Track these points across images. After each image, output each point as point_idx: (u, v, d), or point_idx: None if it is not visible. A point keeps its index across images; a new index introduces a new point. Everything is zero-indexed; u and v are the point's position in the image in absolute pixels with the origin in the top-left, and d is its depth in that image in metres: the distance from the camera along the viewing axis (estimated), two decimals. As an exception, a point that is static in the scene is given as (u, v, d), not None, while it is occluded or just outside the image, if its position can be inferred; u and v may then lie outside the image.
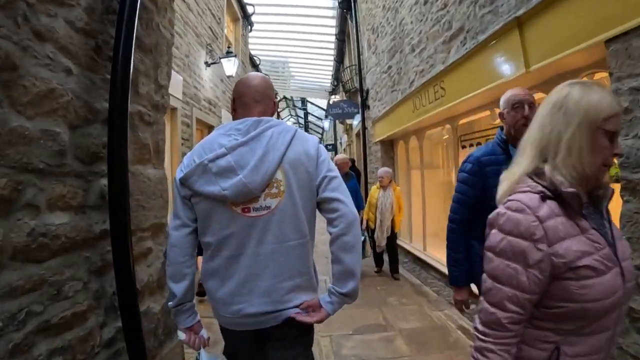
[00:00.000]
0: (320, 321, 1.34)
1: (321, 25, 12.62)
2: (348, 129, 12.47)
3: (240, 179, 1.25)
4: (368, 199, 5.42)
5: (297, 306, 1.32)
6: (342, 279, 1.31)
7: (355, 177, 5.93)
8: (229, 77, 6.61)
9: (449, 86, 4.20)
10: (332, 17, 11.54)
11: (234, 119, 1.45)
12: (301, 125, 32.02)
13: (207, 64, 6.39)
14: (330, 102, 9.22)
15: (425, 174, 6.18)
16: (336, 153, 21.45)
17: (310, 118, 31.59)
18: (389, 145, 7.20)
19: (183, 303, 1.39)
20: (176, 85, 5.03)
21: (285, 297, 1.31)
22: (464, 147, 5.56)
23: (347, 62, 11.06)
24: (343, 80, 9.81)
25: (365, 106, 7.99)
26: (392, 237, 5.34)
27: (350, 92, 9.18)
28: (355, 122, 10.37)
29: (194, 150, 1.39)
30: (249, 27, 10.72)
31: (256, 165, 1.26)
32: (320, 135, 39.03)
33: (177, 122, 5.09)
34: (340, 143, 17.66)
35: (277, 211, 1.29)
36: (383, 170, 5.41)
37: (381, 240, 5.24)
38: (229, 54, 6.41)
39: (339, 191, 1.33)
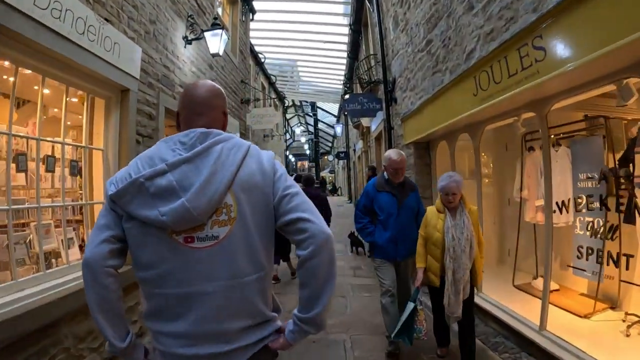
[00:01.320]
0: (279, 349, 1.19)
1: (332, 14, 11.12)
2: (364, 133, 10.81)
3: (182, 203, 1.05)
4: (420, 234, 3.20)
5: (251, 344, 1.14)
6: (306, 304, 1.11)
7: (417, 187, 3.74)
8: (213, 55, 5.05)
9: (556, 42, 2.53)
10: (346, 3, 10.01)
11: None
12: (311, 133, 30.63)
13: (187, 40, 4.83)
14: (346, 96, 7.53)
15: (482, 186, 4.49)
16: (348, 162, 19.84)
17: (320, 125, 30.12)
18: (423, 148, 5.53)
19: (127, 335, 1.16)
20: (128, 55, 3.47)
21: (238, 336, 1.12)
22: (553, 145, 3.89)
23: (363, 55, 9.46)
24: (359, 73, 8.22)
25: (390, 100, 6.36)
26: (470, 297, 3.03)
27: (371, 85, 7.59)
28: (374, 125, 8.73)
29: (132, 163, 1.16)
30: (251, 14, 9.23)
31: (202, 187, 1.07)
32: (330, 144, 37.65)
33: (130, 110, 3.51)
34: (354, 150, 15.97)
35: (227, 242, 1.10)
36: (451, 180, 2.98)
37: (455, 305, 2.92)
38: (214, 26, 4.85)
39: (303, 209, 1.13)
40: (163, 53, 4.23)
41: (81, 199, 3.34)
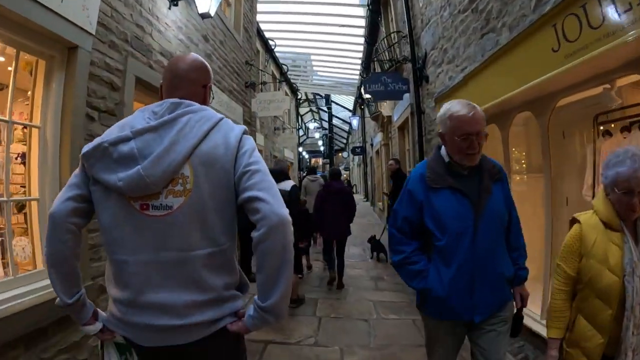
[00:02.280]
0: (237, 331, 1.14)
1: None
2: (385, 124, 9.76)
3: (137, 170, 1.06)
4: (563, 270, 1.64)
5: (206, 322, 1.11)
6: (263, 290, 1.07)
7: (504, 171, 1.87)
8: (203, 16, 4.10)
9: None
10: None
11: None
12: (325, 129, 29.55)
13: (172, 1, 3.90)
14: (369, 75, 6.48)
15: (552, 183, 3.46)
16: (365, 157, 18.79)
17: (334, 121, 29.02)
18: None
19: (77, 293, 1.17)
20: (79, 1, 2.55)
21: (189, 311, 1.09)
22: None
23: (384, 36, 8.41)
24: (380, 52, 7.17)
25: (420, 79, 5.33)
26: None
27: (396, 65, 6.56)
28: (397, 113, 7.70)
29: (111, 127, 1.20)
30: (258, -10, 8.29)
31: (159, 156, 1.07)
32: (344, 140, 36.51)
33: (78, 75, 2.58)
34: (371, 145, 14.91)
35: (180, 213, 1.08)
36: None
37: None
38: (205, -19, 3.90)
39: (260, 187, 1.07)
40: (135, 9, 3.30)
41: (23, 193, 2.44)
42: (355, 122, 16.87)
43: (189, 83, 1.22)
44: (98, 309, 1.23)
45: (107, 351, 1.23)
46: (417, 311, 1.94)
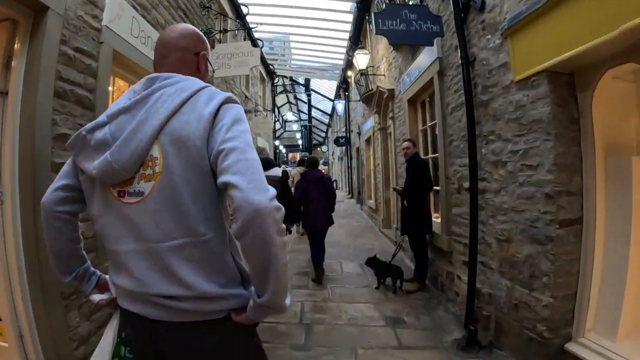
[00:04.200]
0: (242, 322, 1.01)
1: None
2: (383, 101, 7.82)
3: (105, 156, 0.99)
4: None
5: (197, 321, 1.00)
6: (256, 285, 0.97)
7: None
8: None
9: None
10: None
11: None
12: (303, 120, 27.45)
13: None
14: (384, 8, 4.39)
15: None
16: (349, 149, 16.89)
17: (313, 113, 26.93)
18: (566, 85, 2.55)
19: (75, 271, 1.20)
20: None
21: (177, 306, 0.98)
22: None
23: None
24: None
25: (466, 9, 3.40)
26: None
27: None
28: (406, 81, 5.81)
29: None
30: None
31: (126, 139, 0.98)
32: (324, 134, 34.49)
33: None
34: (359, 133, 12.96)
35: (151, 199, 0.98)
36: None
37: None
38: None
39: (235, 170, 0.90)
40: None
41: None
42: (340, 106, 14.87)
43: (177, 50, 1.13)
44: (107, 277, 1.19)
45: (109, 328, 1.16)
46: None
